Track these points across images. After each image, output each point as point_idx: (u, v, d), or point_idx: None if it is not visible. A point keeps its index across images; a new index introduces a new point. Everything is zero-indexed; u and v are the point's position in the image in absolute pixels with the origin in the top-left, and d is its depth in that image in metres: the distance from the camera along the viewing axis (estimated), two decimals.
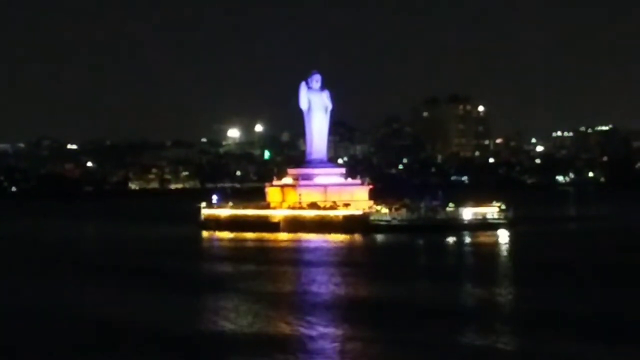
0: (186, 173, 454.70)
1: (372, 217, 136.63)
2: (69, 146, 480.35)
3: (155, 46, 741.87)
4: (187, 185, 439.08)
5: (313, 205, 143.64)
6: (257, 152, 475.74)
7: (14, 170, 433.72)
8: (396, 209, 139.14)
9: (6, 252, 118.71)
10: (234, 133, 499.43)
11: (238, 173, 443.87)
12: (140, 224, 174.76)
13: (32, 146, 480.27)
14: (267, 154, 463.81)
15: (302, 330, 54.20)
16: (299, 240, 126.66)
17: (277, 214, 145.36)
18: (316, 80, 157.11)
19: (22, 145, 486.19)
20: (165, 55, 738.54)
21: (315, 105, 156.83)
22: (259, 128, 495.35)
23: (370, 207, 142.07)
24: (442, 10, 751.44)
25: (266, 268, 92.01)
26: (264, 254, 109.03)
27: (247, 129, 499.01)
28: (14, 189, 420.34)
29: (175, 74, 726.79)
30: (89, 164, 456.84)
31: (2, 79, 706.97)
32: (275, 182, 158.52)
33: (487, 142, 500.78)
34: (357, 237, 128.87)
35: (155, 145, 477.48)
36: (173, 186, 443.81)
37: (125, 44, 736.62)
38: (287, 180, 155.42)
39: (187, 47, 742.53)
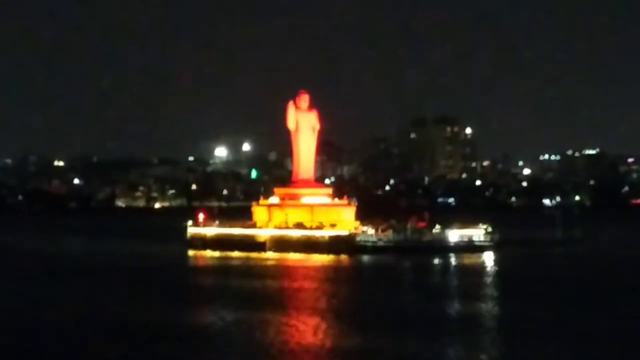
0: (173, 191, 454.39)
1: (358, 238, 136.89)
2: (56, 163, 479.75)
3: (141, 63, 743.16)
4: (173, 204, 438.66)
5: (299, 225, 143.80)
6: (244, 171, 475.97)
7: (0, 186, 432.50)
8: (382, 230, 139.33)
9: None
10: (221, 152, 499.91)
11: (225, 192, 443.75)
12: (126, 241, 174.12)
13: (19, 162, 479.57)
14: (254, 173, 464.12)
15: (290, 342, 54.57)
16: (285, 260, 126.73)
17: (264, 234, 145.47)
18: (304, 100, 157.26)
19: (8, 161, 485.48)
20: (151, 72, 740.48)
21: (303, 125, 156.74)
22: (246, 147, 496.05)
23: (356, 228, 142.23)
24: (431, 30, 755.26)
25: (251, 287, 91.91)
26: (250, 274, 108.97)
27: (235, 147, 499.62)
28: None
29: (162, 91, 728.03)
30: (76, 180, 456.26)
31: None
32: (262, 202, 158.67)
33: (474, 164, 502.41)
34: (343, 257, 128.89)
35: (142, 162, 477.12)
36: (159, 204, 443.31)
37: (112, 60, 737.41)
38: (274, 199, 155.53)
39: (173, 64, 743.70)
